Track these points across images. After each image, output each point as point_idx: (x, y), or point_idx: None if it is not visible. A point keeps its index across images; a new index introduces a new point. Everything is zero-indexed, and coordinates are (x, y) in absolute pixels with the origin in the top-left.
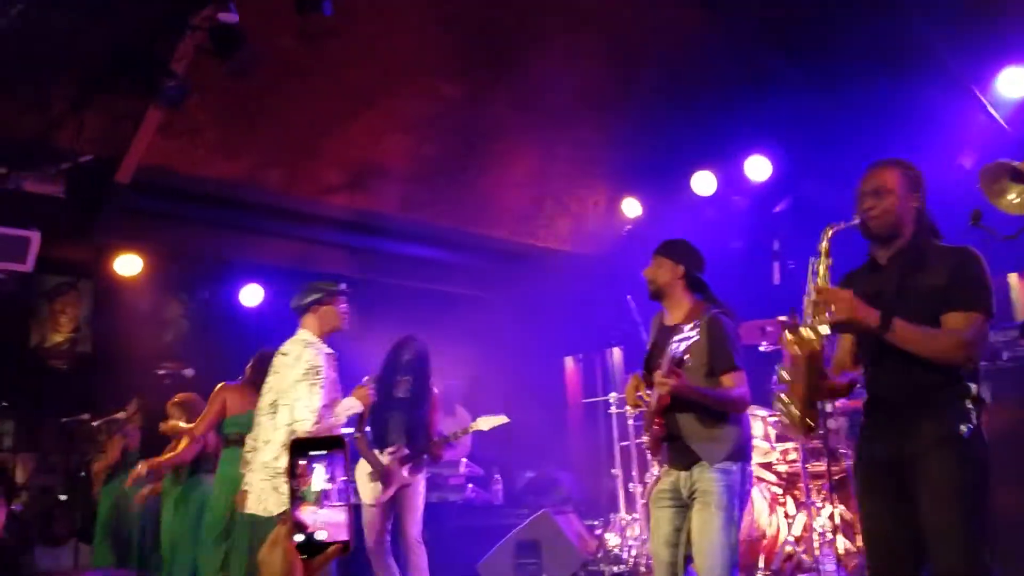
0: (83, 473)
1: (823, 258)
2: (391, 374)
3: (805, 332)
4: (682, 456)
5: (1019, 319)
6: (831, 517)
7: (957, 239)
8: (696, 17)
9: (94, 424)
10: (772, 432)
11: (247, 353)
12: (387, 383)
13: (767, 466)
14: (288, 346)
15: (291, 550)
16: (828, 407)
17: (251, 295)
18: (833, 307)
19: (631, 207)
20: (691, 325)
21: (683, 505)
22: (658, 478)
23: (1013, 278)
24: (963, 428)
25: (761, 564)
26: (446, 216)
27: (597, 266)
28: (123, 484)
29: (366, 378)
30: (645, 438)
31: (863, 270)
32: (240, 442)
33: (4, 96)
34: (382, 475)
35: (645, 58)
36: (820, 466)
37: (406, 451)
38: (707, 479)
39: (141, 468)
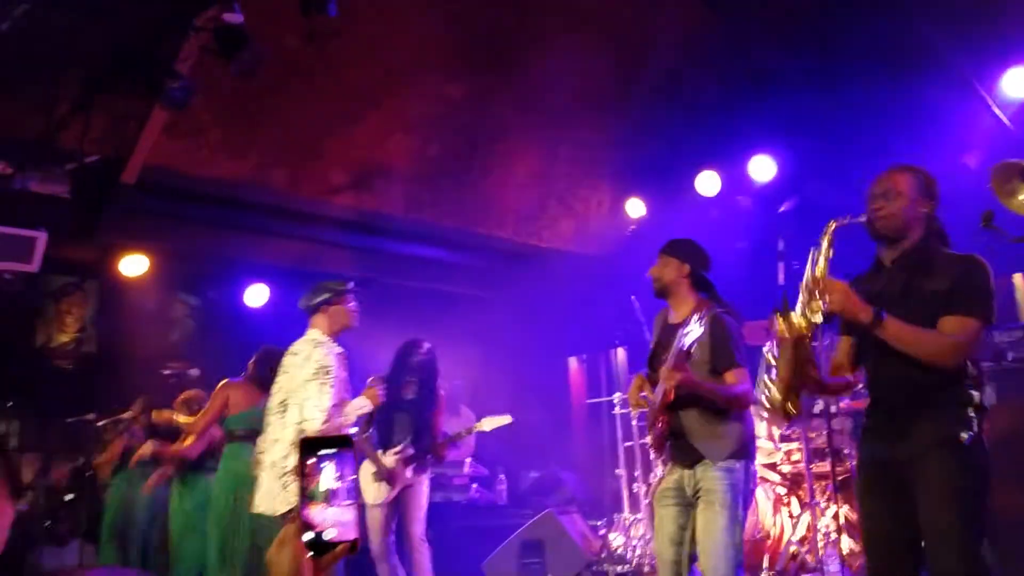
0: (88, 473)
1: (824, 249)
2: (399, 375)
3: (795, 317)
4: (685, 454)
5: None
6: (835, 517)
7: (962, 239)
8: (698, 17)
9: (99, 424)
10: (776, 432)
11: (252, 353)
12: (395, 384)
13: (771, 466)
14: (298, 346)
15: (299, 549)
16: (832, 407)
17: (256, 295)
18: (827, 297)
19: (635, 207)
20: (696, 318)
21: (687, 504)
22: (662, 476)
23: (1018, 279)
24: (964, 435)
25: (765, 564)
26: (449, 216)
27: (601, 266)
28: (128, 483)
29: (371, 378)
30: (649, 437)
31: (869, 271)
32: (243, 438)
33: (9, 96)
34: (386, 475)
35: (647, 58)
36: (824, 466)
37: (411, 451)
38: (711, 478)
39: (147, 448)
